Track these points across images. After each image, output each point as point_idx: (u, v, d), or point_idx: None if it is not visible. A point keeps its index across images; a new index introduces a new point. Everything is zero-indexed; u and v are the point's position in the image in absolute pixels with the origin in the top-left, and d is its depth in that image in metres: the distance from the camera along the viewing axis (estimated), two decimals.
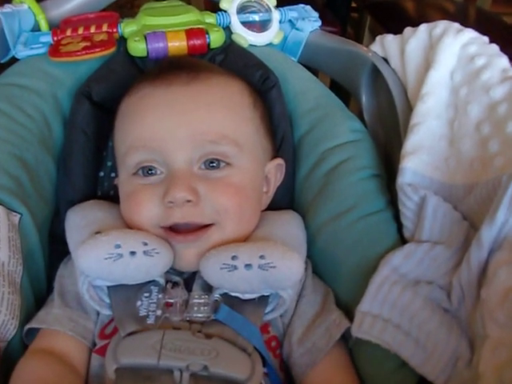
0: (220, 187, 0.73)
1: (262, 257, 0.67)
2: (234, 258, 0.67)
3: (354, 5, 2.48)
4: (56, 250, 0.84)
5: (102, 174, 0.90)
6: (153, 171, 0.74)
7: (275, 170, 0.84)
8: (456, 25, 0.85)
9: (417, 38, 0.87)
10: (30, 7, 0.93)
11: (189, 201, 0.71)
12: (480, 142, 0.73)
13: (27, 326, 0.72)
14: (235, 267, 0.67)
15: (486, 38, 0.83)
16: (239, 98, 0.80)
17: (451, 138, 0.77)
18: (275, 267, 0.67)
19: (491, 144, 0.71)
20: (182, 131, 0.73)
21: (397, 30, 0.93)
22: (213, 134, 0.74)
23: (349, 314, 0.73)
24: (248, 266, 0.67)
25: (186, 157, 0.73)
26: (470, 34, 0.82)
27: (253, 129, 0.79)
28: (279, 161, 0.84)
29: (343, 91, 1.00)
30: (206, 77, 0.78)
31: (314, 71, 0.98)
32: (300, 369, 0.72)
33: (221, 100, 0.77)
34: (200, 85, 0.77)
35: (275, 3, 0.98)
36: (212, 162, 0.74)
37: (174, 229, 0.73)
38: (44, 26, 0.94)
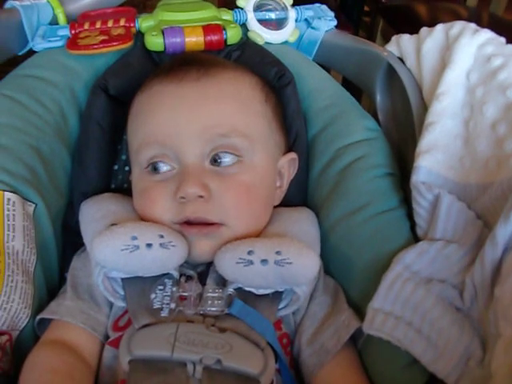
0: (231, 185, 0.73)
1: (278, 253, 0.67)
2: (250, 252, 0.67)
3: (366, 8, 2.48)
4: (69, 241, 0.85)
5: (116, 167, 0.91)
6: (165, 167, 0.75)
7: (288, 165, 0.84)
8: (473, 25, 0.84)
9: (433, 37, 0.87)
10: (48, 1, 0.94)
11: (201, 196, 0.71)
12: (496, 141, 0.73)
13: (39, 316, 0.73)
14: (251, 262, 0.67)
15: (502, 39, 0.83)
16: (250, 92, 0.80)
17: (466, 138, 0.77)
18: (291, 263, 0.67)
19: (507, 144, 0.71)
20: (192, 126, 0.73)
21: (409, 34, 0.93)
22: (223, 127, 0.74)
23: (360, 310, 0.73)
24: (264, 261, 0.67)
25: (197, 151, 0.73)
26: (486, 34, 0.82)
27: (264, 123, 0.79)
28: (292, 155, 0.84)
29: (355, 89, 1.00)
30: (217, 72, 0.79)
31: (326, 70, 0.98)
32: (308, 369, 0.72)
33: (231, 94, 0.78)
34: (210, 80, 0.77)
35: (291, 2, 0.99)
36: (223, 157, 0.74)
37: (188, 222, 0.73)
38: (62, 19, 0.95)
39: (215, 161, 0.74)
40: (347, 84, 1.03)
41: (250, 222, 0.75)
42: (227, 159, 0.74)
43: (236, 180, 0.74)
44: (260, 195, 0.77)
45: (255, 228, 0.76)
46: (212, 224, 0.73)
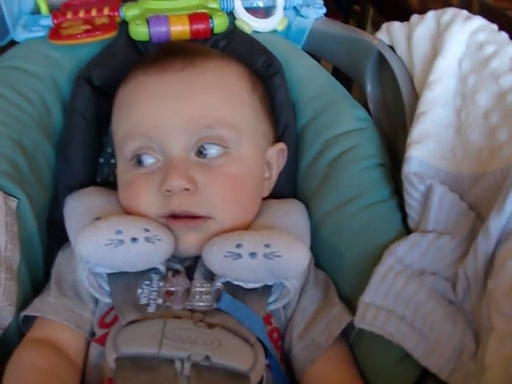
0: (217, 177, 0.73)
1: (267, 245, 0.66)
2: (238, 246, 0.67)
3: None
4: (54, 236, 0.84)
5: (101, 160, 0.90)
6: (150, 159, 0.74)
7: (277, 155, 0.83)
8: (464, 12, 0.84)
9: (424, 25, 0.86)
10: None
11: (186, 189, 0.70)
12: (488, 131, 0.72)
13: (23, 313, 0.72)
14: (239, 255, 0.66)
15: (494, 26, 0.82)
16: (236, 81, 0.79)
17: (458, 127, 0.76)
18: (280, 256, 0.66)
19: (500, 133, 0.71)
20: (177, 117, 0.73)
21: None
22: (208, 118, 0.73)
23: (352, 304, 0.72)
24: (253, 254, 0.66)
25: (182, 143, 0.72)
26: (478, 21, 0.82)
27: (251, 113, 0.79)
28: (281, 145, 0.84)
29: (345, 79, 0.99)
30: (202, 62, 0.78)
31: (316, 59, 0.97)
32: (300, 364, 0.72)
33: (216, 84, 0.77)
34: (195, 70, 0.76)
35: None
36: (209, 149, 0.73)
37: (174, 216, 0.72)
38: (44, 8, 0.93)
39: (201, 153, 0.73)
40: (337, 73, 1.03)
41: (238, 215, 0.75)
42: (213, 151, 0.73)
43: (222, 172, 0.73)
44: (247, 187, 0.76)
45: (243, 220, 0.76)
46: (198, 217, 0.72)
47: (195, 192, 0.71)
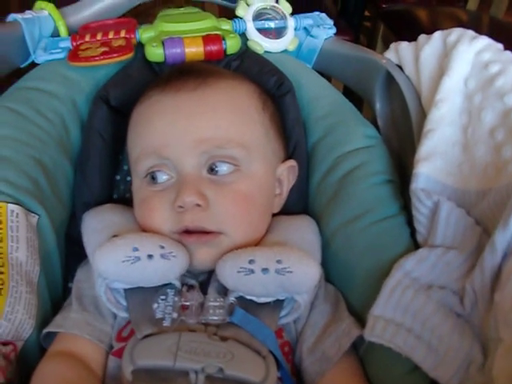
0: (228, 193, 0.74)
1: (279, 261, 0.67)
2: (251, 261, 0.68)
3: (367, 13, 2.49)
4: (72, 251, 0.85)
5: (118, 177, 0.92)
6: (163, 176, 0.75)
7: (288, 172, 0.84)
8: (470, 32, 0.85)
9: (431, 45, 0.87)
10: (49, 13, 0.94)
11: (198, 205, 0.71)
12: (494, 148, 0.73)
13: (45, 330, 0.73)
14: (252, 271, 0.67)
15: (500, 45, 0.83)
16: (246, 100, 0.81)
17: (465, 145, 0.77)
18: (292, 272, 0.67)
19: (505, 150, 0.71)
20: (188, 137, 0.74)
21: (410, 39, 0.94)
22: (218, 139, 0.75)
23: (361, 318, 0.73)
24: (265, 270, 0.67)
25: (193, 162, 0.74)
26: (484, 40, 0.83)
27: (262, 131, 0.80)
28: (292, 162, 0.85)
29: (356, 97, 1.00)
30: (214, 82, 0.79)
31: (327, 78, 0.99)
32: (310, 377, 0.72)
33: (227, 104, 0.78)
34: (207, 89, 0.78)
35: (290, 11, 0.99)
36: (220, 166, 0.74)
37: (187, 231, 0.73)
38: (63, 31, 0.95)
39: (212, 170, 0.74)
40: (348, 92, 1.04)
41: (249, 231, 0.76)
42: (224, 168, 0.75)
43: (233, 189, 0.74)
44: (258, 203, 0.77)
45: (254, 236, 0.77)
46: (210, 233, 0.73)
47: (207, 208, 0.72)
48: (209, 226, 0.73)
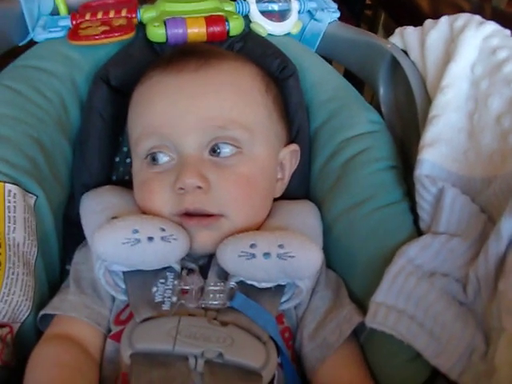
0: (230, 176, 0.73)
1: (280, 246, 0.67)
2: (252, 246, 0.67)
3: (368, 1, 2.47)
4: (70, 233, 0.85)
5: (117, 159, 0.91)
6: (164, 157, 0.75)
7: (290, 156, 0.84)
8: (477, 17, 0.84)
9: (438, 30, 0.87)
10: None
11: (199, 187, 0.71)
12: (500, 134, 0.73)
13: (42, 312, 0.73)
14: (253, 255, 0.67)
15: (507, 31, 0.83)
16: (250, 82, 0.80)
17: (470, 131, 0.77)
18: (294, 257, 0.66)
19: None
20: (191, 117, 0.73)
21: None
22: (221, 119, 0.74)
23: (363, 304, 0.73)
24: (266, 254, 0.66)
25: (195, 142, 0.73)
26: (491, 26, 0.82)
27: (264, 113, 0.79)
28: (294, 147, 0.84)
29: (357, 82, 0.99)
30: (217, 63, 0.78)
31: (328, 62, 0.98)
32: (310, 363, 0.72)
33: (230, 85, 0.77)
34: (210, 71, 0.77)
35: None
36: (222, 148, 0.74)
37: (188, 214, 0.73)
38: (63, 10, 0.94)
39: (214, 151, 0.74)
40: (349, 76, 1.03)
41: (250, 214, 0.75)
42: (226, 150, 0.74)
43: (235, 171, 0.74)
44: (260, 187, 0.76)
45: (255, 220, 0.76)
46: (211, 215, 0.73)
47: (208, 190, 0.71)
48: (210, 208, 0.72)
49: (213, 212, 0.73)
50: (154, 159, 0.75)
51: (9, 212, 0.72)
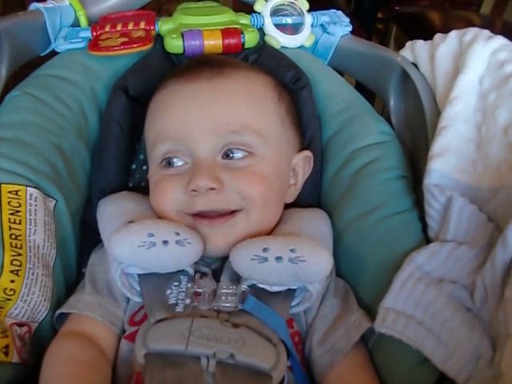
0: (244, 175, 0.75)
1: (292, 250, 0.68)
2: (265, 249, 0.68)
3: (380, 15, 2.49)
4: (86, 237, 0.86)
5: (134, 166, 0.93)
6: (179, 162, 0.76)
7: (303, 163, 0.85)
8: (486, 32, 0.85)
9: (447, 43, 0.88)
10: (70, 3, 0.96)
11: (212, 188, 0.72)
12: (507, 146, 0.74)
13: (59, 311, 0.74)
14: (266, 259, 0.68)
15: None
16: (262, 90, 0.82)
17: (479, 142, 0.78)
18: (305, 261, 0.67)
19: None
20: (204, 122, 0.75)
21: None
22: (234, 124, 0.75)
23: (371, 311, 0.73)
24: (278, 258, 0.67)
25: (208, 147, 0.75)
26: (500, 40, 0.83)
27: (277, 120, 0.81)
28: (307, 153, 0.86)
29: (368, 94, 1.01)
30: (230, 72, 0.80)
31: (340, 74, 1.00)
32: (320, 368, 0.73)
33: (243, 92, 0.79)
34: (223, 79, 0.79)
35: (308, 7, 1.00)
36: (235, 152, 0.75)
37: (201, 214, 0.74)
38: (84, 21, 0.97)
39: (227, 155, 0.75)
40: (360, 88, 1.05)
41: (266, 212, 0.77)
42: (239, 154, 0.76)
43: (249, 171, 0.75)
44: (273, 187, 0.78)
45: (269, 221, 0.78)
46: (226, 214, 0.74)
47: (221, 190, 0.73)
48: (225, 206, 0.74)
49: (229, 208, 0.74)
50: (168, 163, 0.77)
51: (30, 215, 0.74)
